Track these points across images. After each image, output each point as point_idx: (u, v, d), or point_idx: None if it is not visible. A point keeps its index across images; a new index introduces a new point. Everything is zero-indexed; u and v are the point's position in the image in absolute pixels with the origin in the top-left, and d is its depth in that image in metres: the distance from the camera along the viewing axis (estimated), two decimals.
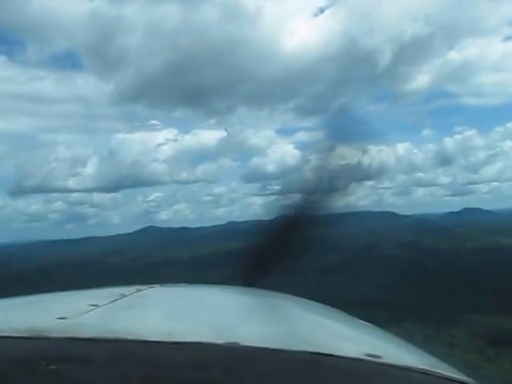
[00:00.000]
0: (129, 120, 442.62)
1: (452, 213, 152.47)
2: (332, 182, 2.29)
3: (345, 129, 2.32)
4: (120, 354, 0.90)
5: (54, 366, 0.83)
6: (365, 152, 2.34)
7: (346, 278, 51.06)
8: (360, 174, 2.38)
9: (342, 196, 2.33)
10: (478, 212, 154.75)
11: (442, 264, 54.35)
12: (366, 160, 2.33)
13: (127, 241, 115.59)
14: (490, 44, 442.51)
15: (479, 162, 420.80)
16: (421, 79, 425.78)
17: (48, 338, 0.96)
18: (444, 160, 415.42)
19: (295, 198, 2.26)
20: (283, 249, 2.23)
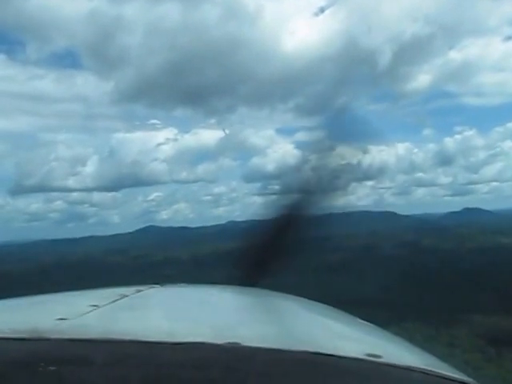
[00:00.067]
0: (129, 119, 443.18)
1: (452, 213, 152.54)
2: (332, 181, 2.29)
3: (345, 129, 2.32)
4: (120, 354, 0.90)
5: (53, 367, 0.83)
6: (365, 152, 2.34)
7: (346, 278, 51.04)
8: (360, 173, 2.38)
9: (342, 196, 2.33)
10: (478, 212, 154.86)
11: (442, 264, 54.33)
12: (366, 160, 2.33)
13: (127, 240, 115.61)
14: (490, 44, 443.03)
15: (479, 162, 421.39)
16: (421, 79, 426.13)
17: (48, 339, 0.96)
18: (444, 160, 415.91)
19: (294, 197, 2.25)
20: (280, 248, 2.22)
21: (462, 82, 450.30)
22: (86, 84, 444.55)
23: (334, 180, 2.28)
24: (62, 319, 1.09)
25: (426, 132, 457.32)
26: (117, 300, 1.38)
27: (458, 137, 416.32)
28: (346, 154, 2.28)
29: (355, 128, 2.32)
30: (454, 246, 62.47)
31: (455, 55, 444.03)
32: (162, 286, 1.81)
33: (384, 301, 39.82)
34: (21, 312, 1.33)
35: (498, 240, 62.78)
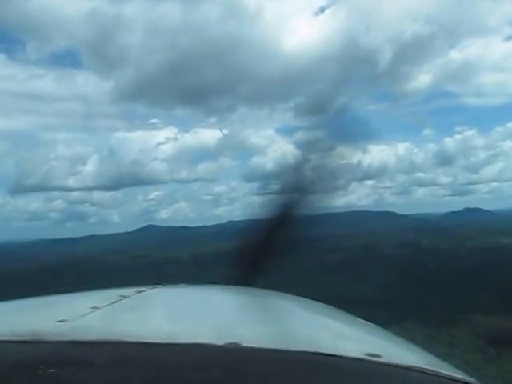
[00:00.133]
0: (129, 118, 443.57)
1: (452, 213, 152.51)
2: (332, 181, 2.28)
3: (345, 128, 2.31)
4: (121, 356, 0.89)
5: (53, 370, 0.82)
6: (365, 152, 2.34)
7: (346, 278, 51.03)
8: (360, 173, 2.38)
9: (342, 196, 2.33)
10: (478, 212, 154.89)
11: (442, 264, 54.32)
12: (366, 160, 2.32)
13: (127, 240, 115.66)
14: (490, 44, 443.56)
15: (479, 162, 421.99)
16: (421, 79, 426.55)
17: (48, 342, 0.95)
18: (444, 160, 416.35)
19: (290, 197, 2.25)
20: (274, 248, 2.22)
21: (462, 82, 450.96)
22: (86, 83, 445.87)
23: (334, 180, 2.28)
24: (62, 321, 1.08)
25: (426, 132, 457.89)
26: (116, 301, 1.37)
27: (458, 137, 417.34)
28: (346, 154, 2.29)
29: (355, 128, 2.32)
30: (454, 246, 62.45)
31: (455, 55, 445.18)
32: (161, 286, 1.81)
33: (384, 301, 39.82)
34: (21, 314, 1.32)
35: (498, 240, 62.76)
